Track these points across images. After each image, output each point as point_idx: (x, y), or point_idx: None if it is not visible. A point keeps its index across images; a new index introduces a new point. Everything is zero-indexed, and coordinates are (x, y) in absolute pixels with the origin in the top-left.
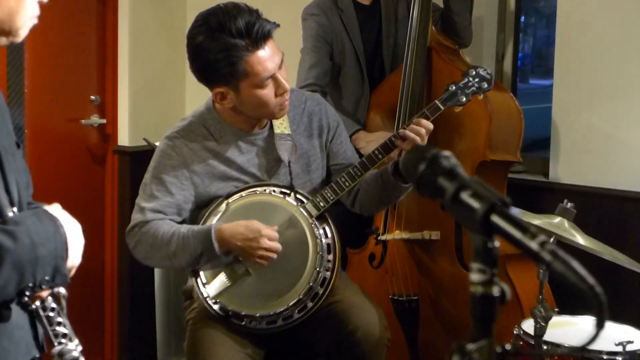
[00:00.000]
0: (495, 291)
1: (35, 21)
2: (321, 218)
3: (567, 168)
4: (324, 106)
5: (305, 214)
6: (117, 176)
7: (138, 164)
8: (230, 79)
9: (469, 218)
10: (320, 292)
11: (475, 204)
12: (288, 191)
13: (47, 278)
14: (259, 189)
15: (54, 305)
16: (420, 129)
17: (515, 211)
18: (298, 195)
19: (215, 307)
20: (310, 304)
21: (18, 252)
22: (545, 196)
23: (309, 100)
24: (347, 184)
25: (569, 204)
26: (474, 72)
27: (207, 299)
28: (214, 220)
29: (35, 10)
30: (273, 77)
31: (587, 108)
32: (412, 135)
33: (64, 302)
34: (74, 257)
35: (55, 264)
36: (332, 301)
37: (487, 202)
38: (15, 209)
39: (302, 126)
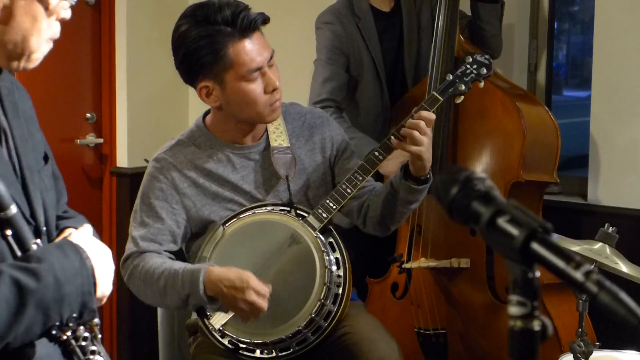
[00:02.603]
0: (536, 326)
1: (51, 45)
2: (326, 231)
3: (607, 189)
4: (326, 119)
5: (309, 227)
6: (115, 200)
7: (138, 187)
8: (214, 69)
9: (506, 246)
10: (334, 309)
11: (513, 230)
12: (287, 208)
13: (74, 315)
14: (257, 210)
15: (86, 334)
16: (419, 122)
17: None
18: (298, 211)
19: (224, 340)
20: (324, 324)
21: (42, 292)
22: (584, 220)
23: (309, 114)
24: (348, 190)
25: (611, 228)
26: (470, 59)
27: (214, 333)
28: (211, 248)
29: (54, 32)
30: (261, 72)
31: (629, 122)
32: (409, 132)
33: (97, 330)
34: (104, 287)
35: (82, 300)
36: (343, 332)
37: (527, 228)
38: (39, 241)
39: (302, 139)
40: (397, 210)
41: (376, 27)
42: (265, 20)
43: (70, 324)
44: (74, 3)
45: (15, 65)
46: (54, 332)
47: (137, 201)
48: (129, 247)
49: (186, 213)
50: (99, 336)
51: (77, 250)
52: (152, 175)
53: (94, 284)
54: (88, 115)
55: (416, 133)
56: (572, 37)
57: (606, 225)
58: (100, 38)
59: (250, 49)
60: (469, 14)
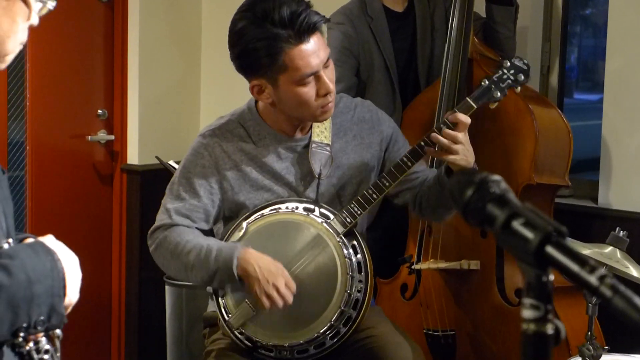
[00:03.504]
0: (549, 329)
1: (21, 47)
2: (350, 235)
3: (618, 192)
4: (375, 112)
5: (332, 231)
6: (125, 197)
7: (148, 184)
8: (268, 71)
9: (521, 249)
10: (354, 315)
11: (528, 233)
12: (312, 206)
13: (42, 318)
14: (282, 206)
15: (48, 346)
16: (457, 135)
17: None
18: (323, 210)
19: (242, 337)
20: (343, 329)
21: (13, 288)
22: (595, 223)
23: (359, 107)
24: (374, 196)
25: (622, 232)
26: (508, 64)
27: (233, 330)
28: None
29: (25, 37)
30: (316, 76)
31: None
32: (445, 142)
33: (58, 344)
34: (72, 294)
35: (51, 302)
36: (365, 336)
37: (542, 231)
38: (10, 241)
39: (350, 134)
40: (448, 203)
41: (389, 27)
42: (326, 21)
43: (39, 327)
44: (52, 8)
45: None
46: (21, 334)
47: (177, 173)
48: (161, 218)
49: (222, 194)
50: (59, 351)
51: (48, 251)
52: (196, 151)
53: (64, 287)
54: (99, 111)
55: (452, 145)
56: (583, 40)
57: (617, 229)
58: (113, 35)
59: (307, 53)
60: (484, 15)
